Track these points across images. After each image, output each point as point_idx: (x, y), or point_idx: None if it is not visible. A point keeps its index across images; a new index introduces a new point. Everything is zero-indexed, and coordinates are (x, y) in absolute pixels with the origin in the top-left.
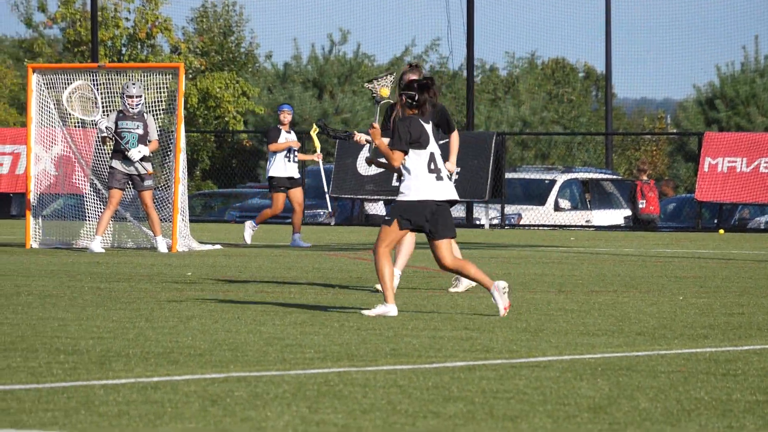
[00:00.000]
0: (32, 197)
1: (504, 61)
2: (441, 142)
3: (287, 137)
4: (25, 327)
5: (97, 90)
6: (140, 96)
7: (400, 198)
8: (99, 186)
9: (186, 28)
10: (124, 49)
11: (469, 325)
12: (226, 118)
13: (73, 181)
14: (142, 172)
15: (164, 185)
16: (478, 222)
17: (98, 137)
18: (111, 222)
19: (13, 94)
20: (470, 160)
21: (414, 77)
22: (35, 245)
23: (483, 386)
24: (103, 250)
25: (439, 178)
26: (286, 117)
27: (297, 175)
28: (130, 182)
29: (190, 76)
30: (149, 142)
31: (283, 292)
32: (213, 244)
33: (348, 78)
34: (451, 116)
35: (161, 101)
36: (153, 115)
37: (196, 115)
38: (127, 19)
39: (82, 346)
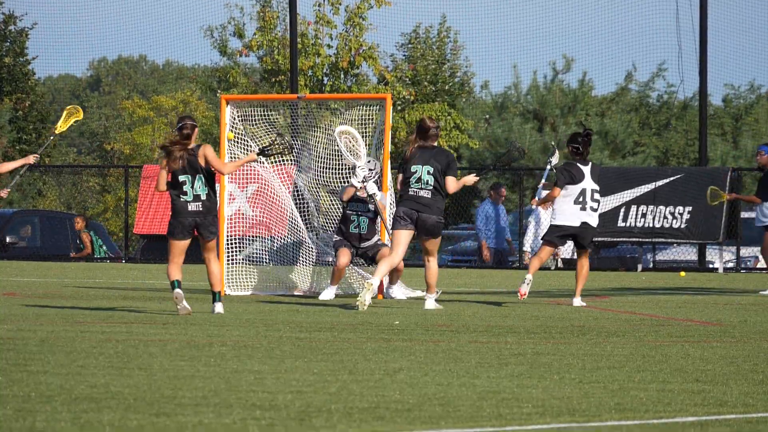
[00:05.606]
0: (226, 240)
1: (725, 91)
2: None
3: None
4: (219, 380)
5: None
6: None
7: None
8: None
9: (395, 55)
10: (326, 79)
11: (701, 377)
12: None
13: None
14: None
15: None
16: (711, 265)
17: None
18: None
19: (204, 128)
20: (703, 198)
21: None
22: (228, 292)
23: None
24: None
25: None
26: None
27: None
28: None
29: (399, 107)
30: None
31: (499, 342)
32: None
33: (571, 109)
34: None
35: (366, 135)
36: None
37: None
38: (329, 46)
39: (280, 401)
